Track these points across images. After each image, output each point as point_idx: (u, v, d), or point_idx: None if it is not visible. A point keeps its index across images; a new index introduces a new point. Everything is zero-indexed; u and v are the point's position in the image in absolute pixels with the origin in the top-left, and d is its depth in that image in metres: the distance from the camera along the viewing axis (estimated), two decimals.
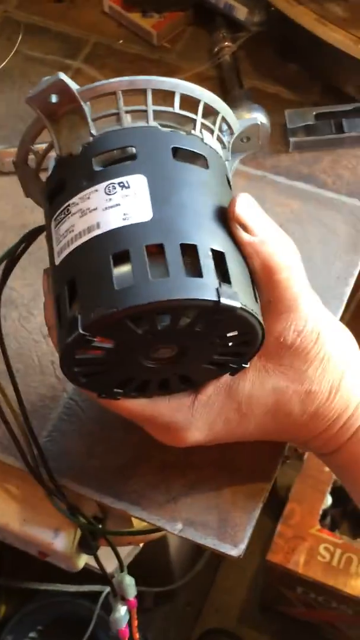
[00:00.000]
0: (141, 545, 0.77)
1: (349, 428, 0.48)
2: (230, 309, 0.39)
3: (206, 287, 0.38)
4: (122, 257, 0.39)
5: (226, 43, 0.75)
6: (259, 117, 0.68)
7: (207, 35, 0.78)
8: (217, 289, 0.38)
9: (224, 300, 0.38)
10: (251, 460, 0.55)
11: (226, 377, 0.47)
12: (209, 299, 0.38)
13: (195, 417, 0.47)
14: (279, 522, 1.14)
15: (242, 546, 0.53)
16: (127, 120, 0.44)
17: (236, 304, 0.39)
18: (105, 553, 0.61)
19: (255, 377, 0.46)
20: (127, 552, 0.95)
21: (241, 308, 0.39)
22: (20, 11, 0.82)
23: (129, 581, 0.61)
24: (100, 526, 0.59)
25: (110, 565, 0.65)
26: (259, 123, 0.49)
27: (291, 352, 0.46)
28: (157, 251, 0.39)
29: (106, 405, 0.47)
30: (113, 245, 0.39)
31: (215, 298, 0.38)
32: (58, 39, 0.79)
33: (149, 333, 0.40)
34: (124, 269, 0.39)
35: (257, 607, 1.32)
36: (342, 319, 0.62)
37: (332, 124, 0.70)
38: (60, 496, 0.55)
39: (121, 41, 0.79)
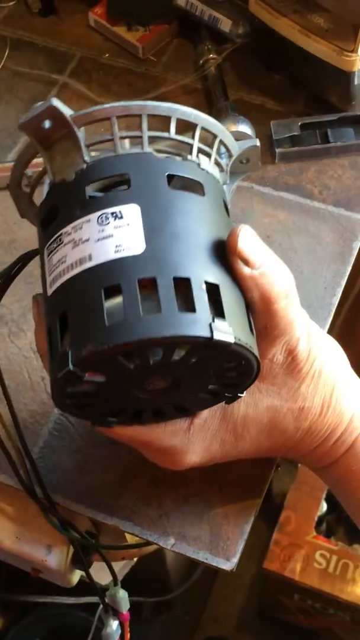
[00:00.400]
0: (135, 559, 0.76)
1: (343, 442, 0.48)
2: (224, 345, 0.38)
3: (199, 323, 0.38)
4: (114, 291, 0.38)
5: (211, 55, 0.76)
6: (245, 129, 0.69)
7: (192, 48, 0.78)
8: (210, 325, 0.38)
9: (217, 336, 0.38)
10: (242, 474, 0.55)
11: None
12: (202, 335, 0.37)
13: (192, 441, 0.47)
14: (274, 529, 1.14)
15: (235, 560, 0.53)
16: (125, 146, 0.43)
17: (230, 339, 0.38)
18: (99, 565, 0.61)
19: (250, 398, 0.46)
20: (123, 564, 0.95)
21: (235, 343, 0.39)
22: (6, 26, 0.82)
23: (122, 595, 0.61)
24: (93, 541, 0.59)
25: (106, 577, 0.65)
26: (258, 145, 0.48)
27: (283, 371, 0.46)
28: (150, 284, 0.38)
29: (101, 431, 0.47)
30: (105, 279, 0.38)
31: (208, 334, 0.37)
32: (44, 54, 0.79)
33: (141, 367, 0.39)
34: (116, 302, 0.38)
35: (255, 615, 1.32)
36: (332, 326, 0.62)
37: (318, 134, 0.70)
38: (54, 512, 0.55)
39: (107, 55, 0.79)
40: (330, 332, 0.97)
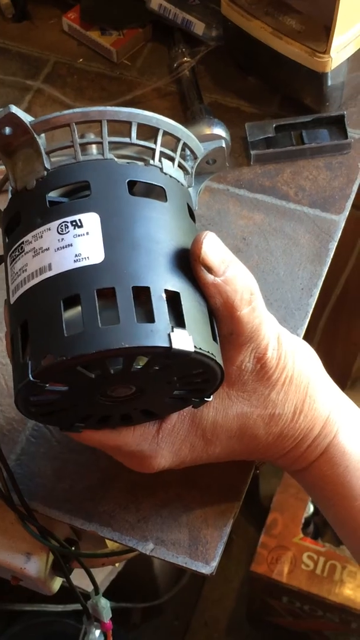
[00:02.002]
0: (117, 564, 0.76)
1: (317, 447, 0.48)
2: (184, 354, 0.38)
3: (157, 333, 0.38)
4: (73, 301, 0.38)
5: (185, 58, 0.75)
6: (219, 131, 0.69)
7: (166, 51, 0.78)
8: (169, 334, 0.38)
9: (176, 345, 0.38)
10: (221, 477, 0.55)
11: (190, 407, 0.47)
12: (160, 345, 0.38)
13: (161, 445, 0.47)
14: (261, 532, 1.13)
15: (214, 563, 0.53)
16: (92, 152, 0.43)
17: (189, 347, 0.38)
18: (84, 571, 0.61)
19: (219, 404, 0.46)
20: (109, 571, 0.95)
21: (195, 352, 0.39)
22: None
23: (104, 604, 0.60)
24: (73, 548, 0.58)
25: (91, 583, 0.64)
26: (224, 146, 0.48)
27: (253, 378, 0.46)
28: (110, 293, 0.38)
29: (71, 436, 0.47)
30: (64, 289, 0.38)
31: (166, 344, 0.38)
32: (18, 60, 0.79)
33: (102, 377, 0.39)
34: (76, 312, 0.38)
35: (245, 618, 1.32)
36: (315, 326, 0.62)
37: (292, 136, 0.70)
38: (32, 520, 0.55)
39: (81, 60, 0.79)
40: (313, 332, 0.97)
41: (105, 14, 0.78)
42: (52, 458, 0.57)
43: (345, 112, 0.70)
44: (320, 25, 0.67)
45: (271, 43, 0.69)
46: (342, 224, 0.67)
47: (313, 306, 0.63)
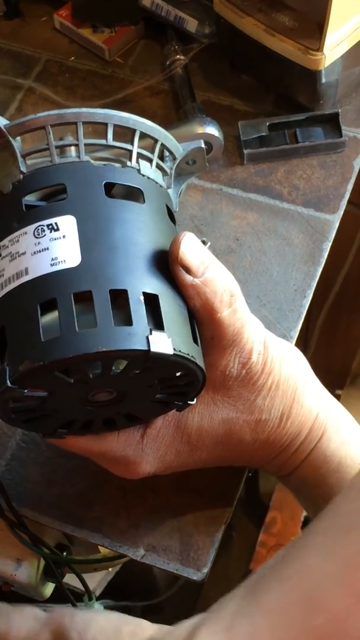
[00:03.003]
0: (111, 569, 0.76)
1: (303, 451, 0.48)
2: (163, 357, 0.38)
3: (135, 336, 0.37)
4: (50, 305, 0.38)
5: (178, 56, 0.75)
6: (212, 130, 0.68)
7: (159, 49, 0.77)
8: (147, 337, 0.37)
9: (154, 349, 0.37)
10: (212, 483, 0.54)
11: (175, 411, 0.46)
12: (138, 348, 0.37)
13: (146, 451, 0.46)
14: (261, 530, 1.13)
15: (205, 570, 0.52)
16: (71, 154, 0.43)
17: (168, 350, 0.38)
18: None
19: (204, 410, 0.46)
20: (105, 572, 0.94)
21: (175, 354, 0.38)
22: None
23: (97, 608, 0.60)
24: (65, 554, 0.58)
25: (91, 582, 0.64)
26: (203, 146, 0.48)
27: (238, 383, 0.45)
28: (87, 297, 0.38)
29: (55, 443, 0.46)
30: (40, 294, 0.38)
31: (144, 347, 0.37)
32: (9, 58, 0.78)
33: (82, 382, 0.39)
34: (53, 317, 0.38)
35: None
36: (313, 326, 0.62)
37: (286, 134, 0.69)
38: (21, 527, 0.54)
39: (73, 58, 0.78)
40: (311, 332, 0.96)
41: (97, 11, 0.78)
42: (42, 463, 0.56)
43: (339, 110, 0.70)
44: (313, 23, 0.66)
45: (264, 40, 0.68)
46: (337, 224, 0.66)
47: (307, 307, 0.62)
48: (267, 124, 0.69)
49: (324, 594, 0.34)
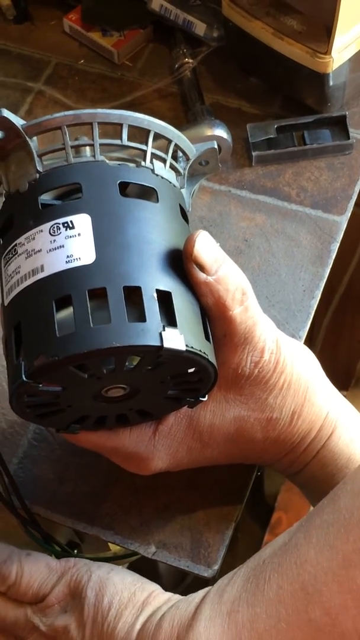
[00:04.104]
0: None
1: (313, 449, 0.48)
2: (175, 352, 0.38)
3: (149, 332, 0.38)
4: (65, 302, 0.39)
5: (186, 59, 0.75)
6: (221, 132, 0.69)
7: (167, 52, 0.78)
8: (160, 333, 0.38)
9: (167, 345, 0.38)
10: (223, 480, 0.55)
11: (186, 408, 0.47)
12: (152, 344, 0.38)
13: (158, 447, 0.47)
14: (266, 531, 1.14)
15: (216, 567, 0.53)
16: (86, 154, 0.43)
17: (181, 347, 0.38)
18: None
19: (216, 407, 0.46)
20: None
21: (187, 350, 0.39)
22: None
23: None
24: (75, 551, 0.58)
25: None
26: (216, 147, 0.48)
27: (250, 382, 0.46)
28: (101, 293, 0.38)
29: (67, 438, 0.47)
30: (56, 290, 0.39)
31: (158, 343, 0.38)
32: (19, 61, 0.79)
33: (95, 377, 0.39)
34: (68, 313, 0.38)
35: None
36: (319, 327, 0.62)
37: (294, 137, 0.70)
38: (34, 525, 0.55)
39: (82, 61, 0.79)
40: (316, 333, 0.97)
41: (106, 15, 0.78)
42: (54, 461, 0.57)
43: (347, 113, 0.70)
44: (321, 26, 0.67)
45: (272, 44, 0.69)
46: (344, 225, 0.67)
47: (315, 308, 0.63)
48: (275, 126, 0.70)
49: (321, 588, 0.35)
